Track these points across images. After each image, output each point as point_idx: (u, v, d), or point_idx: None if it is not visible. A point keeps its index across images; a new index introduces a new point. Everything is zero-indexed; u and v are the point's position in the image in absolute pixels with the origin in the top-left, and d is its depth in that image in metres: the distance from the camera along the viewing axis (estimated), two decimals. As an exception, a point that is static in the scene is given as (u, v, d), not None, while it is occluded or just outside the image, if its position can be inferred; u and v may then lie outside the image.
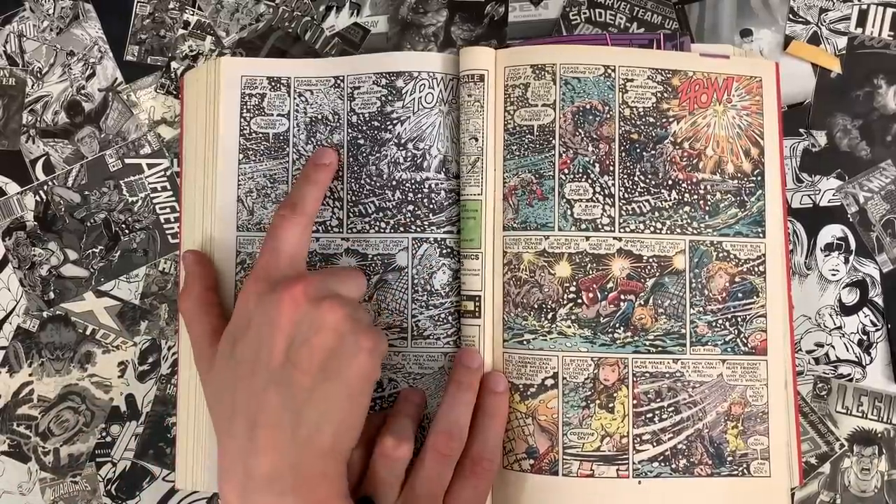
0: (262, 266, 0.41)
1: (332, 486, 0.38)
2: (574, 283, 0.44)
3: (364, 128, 0.46)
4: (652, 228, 0.45)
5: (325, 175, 0.45)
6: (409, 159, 0.46)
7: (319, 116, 0.47)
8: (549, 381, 0.44)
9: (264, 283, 0.40)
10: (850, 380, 0.48)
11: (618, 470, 0.43)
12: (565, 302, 0.44)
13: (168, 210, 0.51)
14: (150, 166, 0.51)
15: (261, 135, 0.47)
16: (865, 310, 0.48)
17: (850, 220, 0.49)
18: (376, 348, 0.39)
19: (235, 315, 0.40)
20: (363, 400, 0.39)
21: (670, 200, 0.45)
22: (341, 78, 0.47)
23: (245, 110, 0.47)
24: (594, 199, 0.45)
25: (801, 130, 0.49)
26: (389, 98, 0.46)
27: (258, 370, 0.38)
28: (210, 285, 0.45)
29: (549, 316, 0.44)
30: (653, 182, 0.45)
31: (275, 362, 0.38)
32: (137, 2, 0.53)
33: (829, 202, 0.49)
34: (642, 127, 0.45)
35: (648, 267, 0.45)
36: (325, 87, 0.47)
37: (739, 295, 0.45)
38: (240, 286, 0.46)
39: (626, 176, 0.45)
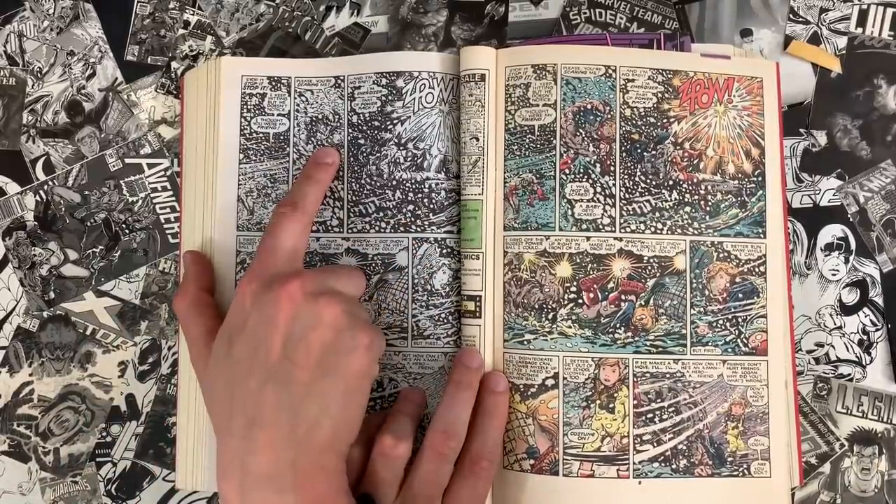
0: (260, 264, 0.41)
1: (331, 482, 0.38)
2: (575, 284, 0.44)
3: (364, 127, 0.46)
4: (653, 229, 0.45)
5: (326, 174, 0.45)
6: (409, 159, 0.46)
7: (320, 116, 0.47)
8: (550, 382, 0.44)
9: (261, 280, 0.40)
10: (851, 380, 0.48)
11: (618, 470, 0.43)
12: (566, 302, 0.44)
13: (168, 210, 0.51)
14: (150, 166, 0.51)
15: (261, 134, 0.47)
16: (865, 310, 0.48)
17: (851, 219, 0.49)
18: (373, 345, 0.39)
19: (231, 313, 0.40)
20: (361, 396, 0.39)
21: (671, 201, 0.45)
22: (341, 78, 0.47)
23: (245, 110, 0.47)
24: (595, 199, 0.45)
25: (802, 130, 0.49)
26: (390, 98, 0.46)
27: (255, 368, 0.38)
28: (205, 286, 0.45)
29: (550, 316, 0.44)
30: (653, 182, 0.45)
31: (272, 359, 0.38)
32: (137, 2, 0.53)
33: (829, 202, 0.49)
34: (643, 127, 0.45)
35: (649, 267, 0.45)
36: (326, 87, 0.47)
37: (740, 295, 0.45)
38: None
39: (626, 176, 0.45)
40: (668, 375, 0.44)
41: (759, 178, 0.46)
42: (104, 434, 0.50)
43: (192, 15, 0.52)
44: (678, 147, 0.45)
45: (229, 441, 0.38)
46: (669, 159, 0.45)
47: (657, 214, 0.45)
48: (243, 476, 0.37)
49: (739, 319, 0.45)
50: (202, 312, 0.43)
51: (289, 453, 0.37)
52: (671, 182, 0.45)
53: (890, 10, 0.50)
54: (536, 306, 0.44)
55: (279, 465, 0.37)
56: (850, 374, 0.48)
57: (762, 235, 0.46)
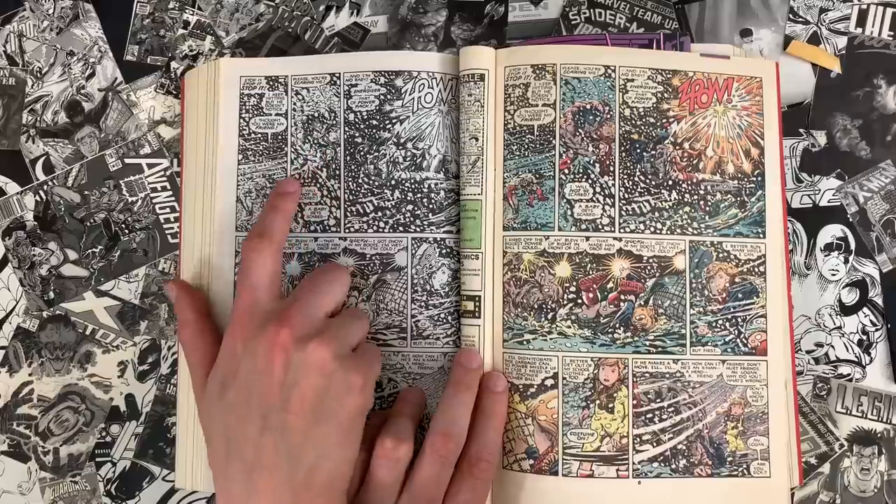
0: (243, 305, 0.40)
1: None
2: (574, 284, 0.44)
3: (362, 126, 0.46)
4: (652, 229, 0.45)
5: (290, 202, 0.44)
6: (408, 159, 0.46)
7: (316, 114, 0.47)
8: (549, 382, 0.44)
9: (249, 324, 0.39)
10: (850, 380, 0.48)
11: (618, 470, 0.43)
12: (565, 302, 0.44)
13: (168, 210, 0.51)
14: (149, 166, 0.51)
15: (259, 135, 0.47)
16: (865, 310, 0.48)
17: (850, 220, 0.49)
18: (367, 383, 0.39)
19: (223, 357, 0.40)
20: (357, 434, 0.40)
21: (670, 201, 0.45)
22: (337, 75, 0.47)
23: (244, 111, 0.47)
24: (594, 199, 0.45)
25: (801, 130, 0.49)
26: (388, 97, 0.46)
27: (251, 416, 0.38)
28: (203, 311, 0.45)
29: (549, 316, 0.44)
30: (653, 182, 0.45)
31: (266, 408, 0.38)
32: (137, 2, 0.53)
33: (828, 202, 0.49)
34: (642, 127, 0.45)
35: (648, 267, 0.45)
36: (322, 85, 0.47)
37: (739, 295, 0.45)
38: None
39: (626, 176, 0.45)
40: (667, 375, 0.44)
41: (759, 178, 0.46)
42: (104, 434, 0.50)
43: (192, 15, 0.52)
44: (678, 147, 0.45)
45: (228, 485, 0.38)
46: (669, 159, 0.45)
47: (656, 214, 0.45)
48: None
49: (739, 319, 0.45)
50: (202, 338, 0.43)
51: (288, 496, 0.37)
52: (671, 182, 0.45)
53: (890, 10, 0.50)
54: (536, 306, 0.44)
55: None
56: (849, 374, 0.48)
57: (762, 235, 0.45)
